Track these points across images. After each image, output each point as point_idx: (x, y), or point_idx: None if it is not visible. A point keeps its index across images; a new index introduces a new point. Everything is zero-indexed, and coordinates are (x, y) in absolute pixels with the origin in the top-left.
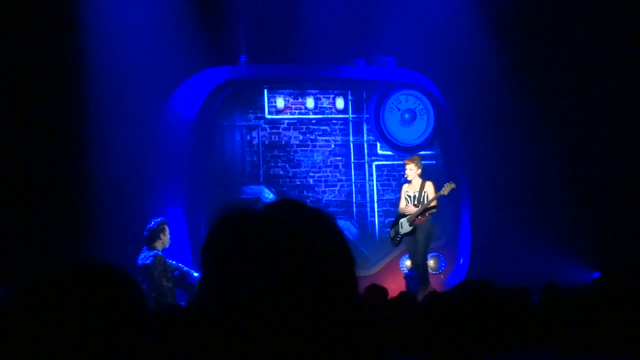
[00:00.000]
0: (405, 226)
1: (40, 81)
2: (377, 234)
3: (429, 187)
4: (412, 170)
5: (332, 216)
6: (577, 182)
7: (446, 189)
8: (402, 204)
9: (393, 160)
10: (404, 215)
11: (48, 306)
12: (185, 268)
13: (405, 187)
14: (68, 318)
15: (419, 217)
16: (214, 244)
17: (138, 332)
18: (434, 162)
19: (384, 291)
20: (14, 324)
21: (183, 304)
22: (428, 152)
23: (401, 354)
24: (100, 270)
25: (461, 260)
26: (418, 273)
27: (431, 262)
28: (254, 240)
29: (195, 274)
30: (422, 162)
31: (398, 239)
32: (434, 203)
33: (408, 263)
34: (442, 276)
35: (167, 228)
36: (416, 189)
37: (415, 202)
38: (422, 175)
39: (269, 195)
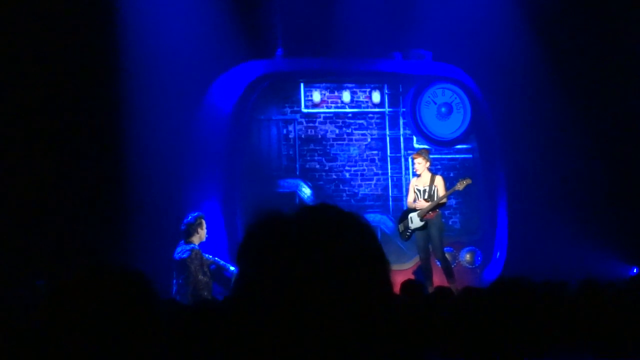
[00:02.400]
0: (415, 221)
1: (77, 75)
2: None
3: (439, 181)
4: (420, 164)
5: (368, 222)
6: (616, 175)
7: (461, 185)
8: (411, 198)
9: (431, 154)
10: (413, 210)
11: (62, 305)
12: (222, 262)
13: (414, 180)
14: (79, 317)
15: (430, 212)
16: (249, 249)
17: (147, 334)
18: (471, 155)
19: (420, 286)
20: (37, 316)
21: (219, 297)
22: (464, 146)
23: (437, 352)
24: (112, 275)
25: (498, 254)
26: (442, 267)
27: (467, 256)
28: (289, 246)
29: (232, 268)
30: (459, 155)
31: (408, 233)
32: (445, 199)
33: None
34: (478, 270)
35: (204, 222)
36: (426, 183)
37: (426, 197)
38: (433, 170)
39: (305, 189)
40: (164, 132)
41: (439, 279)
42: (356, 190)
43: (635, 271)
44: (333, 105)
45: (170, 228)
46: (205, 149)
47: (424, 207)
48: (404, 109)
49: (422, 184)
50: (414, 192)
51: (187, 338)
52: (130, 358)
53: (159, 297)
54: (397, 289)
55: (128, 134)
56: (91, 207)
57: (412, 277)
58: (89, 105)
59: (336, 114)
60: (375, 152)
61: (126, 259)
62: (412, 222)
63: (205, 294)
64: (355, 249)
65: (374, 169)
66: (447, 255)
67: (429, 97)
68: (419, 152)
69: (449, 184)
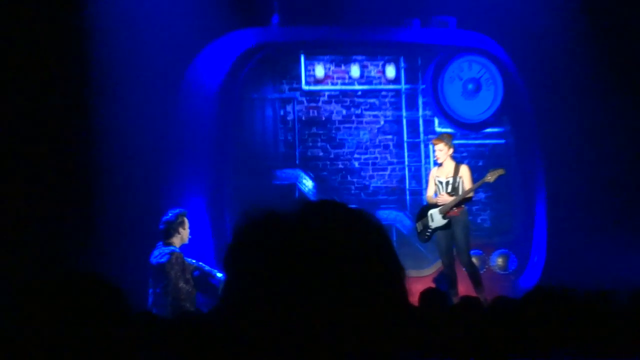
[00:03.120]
0: (437, 219)
1: (39, 49)
2: None
3: (465, 171)
4: (442, 151)
5: (380, 221)
6: None
7: (492, 176)
8: (431, 191)
9: (455, 139)
10: (434, 206)
11: (22, 312)
12: (207, 268)
13: (434, 171)
14: (32, 338)
15: (454, 208)
16: (239, 253)
17: (119, 354)
18: (503, 141)
19: (442, 296)
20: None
21: (204, 309)
22: (495, 130)
23: None
24: (76, 284)
25: (535, 259)
26: (468, 273)
27: (499, 261)
28: (287, 249)
29: (219, 275)
30: (489, 141)
31: (428, 234)
32: (471, 192)
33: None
34: (512, 277)
35: (186, 221)
36: (449, 173)
37: (449, 190)
38: (458, 158)
39: (306, 181)
40: (139, 116)
41: (464, 287)
42: (367, 182)
43: None
44: (339, 81)
45: (147, 228)
46: (188, 134)
47: (447, 202)
48: (424, 86)
49: (445, 174)
50: (435, 184)
51: (166, 357)
52: None
53: (132, 309)
54: (415, 299)
55: (97, 118)
56: (53, 204)
57: (433, 285)
58: (49, 84)
59: (343, 92)
60: (390, 136)
61: (93, 264)
62: (432, 220)
63: (188, 305)
64: (365, 254)
65: (388, 157)
66: (474, 259)
67: (453, 71)
68: (441, 136)
69: (476, 174)
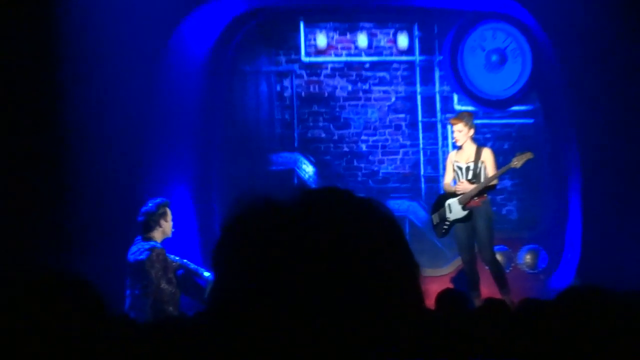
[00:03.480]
0: (455, 210)
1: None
2: None
3: (487, 155)
4: (461, 132)
5: (391, 212)
6: None
7: (519, 160)
8: (449, 178)
9: (477, 118)
10: (452, 195)
11: None
12: (193, 266)
13: (452, 155)
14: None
15: (476, 197)
16: (230, 249)
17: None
18: (532, 120)
19: (462, 298)
20: None
21: (189, 313)
22: (523, 108)
23: None
24: (48, 284)
25: (569, 255)
26: (491, 271)
27: (527, 257)
28: (285, 244)
29: (206, 274)
30: (516, 120)
31: (445, 227)
32: (495, 180)
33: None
34: (542, 276)
35: (169, 212)
36: (469, 158)
37: (469, 177)
38: (480, 141)
39: (306, 166)
40: (116, 93)
41: (487, 288)
42: (376, 168)
43: None
44: (344, 52)
45: (124, 220)
46: (171, 113)
47: (467, 190)
48: (441, 57)
49: (465, 159)
50: (454, 170)
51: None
52: None
53: (108, 312)
54: (431, 301)
55: (68, 96)
56: (19, 196)
57: (452, 286)
58: (11, 57)
59: (348, 65)
60: (402, 115)
61: (65, 263)
62: (450, 211)
63: (171, 308)
64: (374, 249)
65: (400, 139)
66: (498, 255)
67: (475, 40)
68: (460, 115)
69: (501, 159)
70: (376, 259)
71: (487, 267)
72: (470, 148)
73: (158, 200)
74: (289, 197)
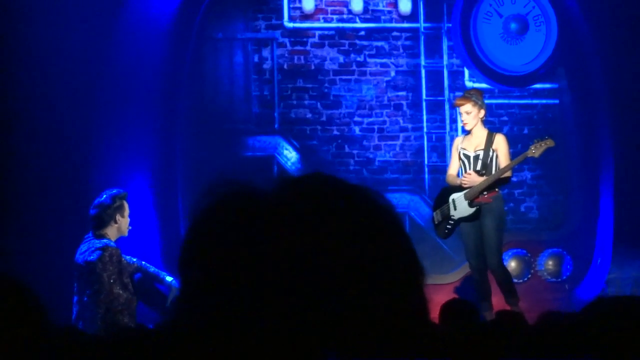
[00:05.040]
0: (461, 206)
1: None
2: None
3: (501, 142)
4: (470, 114)
5: (390, 204)
6: None
7: (537, 148)
8: (454, 168)
9: (492, 97)
10: (457, 189)
11: None
12: (153, 269)
13: (459, 141)
14: None
15: (485, 192)
16: (199, 248)
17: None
18: (557, 101)
19: (470, 310)
20: None
21: (149, 325)
22: (547, 86)
23: None
24: None
25: (599, 261)
26: (497, 280)
27: (549, 263)
28: (264, 241)
29: (169, 279)
30: (538, 100)
31: (449, 227)
32: (509, 172)
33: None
34: (566, 286)
35: (126, 205)
36: (478, 145)
37: (478, 167)
38: (492, 126)
39: (288, 152)
40: (63, 62)
41: (500, 299)
42: (371, 155)
43: None
44: (335, 17)
45: (72, 215)
46: (128, 88)
47: (475, 183)
48: (450, 25)
49: (473, 146)
50: (460, 159)
51: None
52: None
53: (51, 323)
54: (435, 313)
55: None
56: None
57: (458, 296)
58: None
59: (340, 31)
60: (403, 93)
61: (1, 264)
62: (455, 208)
63: (125, 318)
64: (369, 248)
65: (401, 122)
66: (515, 261)
67: (490, 5)
68: (467, 94)
69: (520, 146)
70: (372, 260)
71: (491, 274)
72: (480, 133)
73: (114, 191)
74: (268, 186)
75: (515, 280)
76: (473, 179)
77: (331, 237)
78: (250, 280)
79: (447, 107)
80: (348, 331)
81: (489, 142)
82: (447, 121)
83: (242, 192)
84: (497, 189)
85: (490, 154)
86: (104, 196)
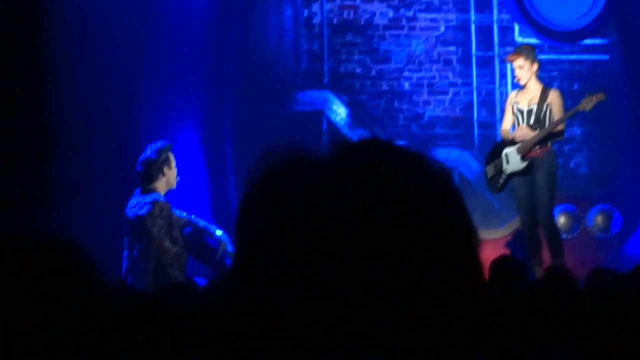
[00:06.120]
0: (514, 161)
1: None
2: None
3: (555, 98)
4: (523, 68)
5: (447, 170)
6: None
7: (588, 102)
8: (507, 123)
9: (542, 53)
10: (510, 143)
11: None
12: (203, 223)
13: (513, 95)
14: None
15: (538, 147)
16: (256, 209)
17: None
18: (607, 56)
19: (520, 266)
20: None
21: (199, 280)
22: (597, 41)
23: None
24: (30, 247)
25: None
26: (546, 236)
27: (599, 219)
28: (320, 206)
29: (218, 233)
30: (589, 56)
31: (501, 181)
32: (562, 125)
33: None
34: (615, 242)
35: (172, 157)
36: (533, 99)
37: (532, 122)
38: (545, 80)
39: (337, 107)
40: (108, 17)
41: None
42: (420, 110)
43: None
44: None
45: (121, 171)
46: (175, 42)
47: (528, 137)
48: None
49: (527, 100)
50: (513, 113)
51: (146, 345)
52: None
53: (103, 279)
54: (484, 270)
55: (49, 23)
56: None
57: (508, 251)
58: None
59: None
60: (453, 48)
61: (51, 222)
62: (507, 162)
63: (176, 272)
64: (425, 214)
65: (450, 77)
66: (564, 217)
67: None
68: (517, 49)
69: (570, 101)
70: (428, 226)
71: (542, 229)
72: (535, 87)
73: (158, 144)
74: (322, 150)
75: (564, 236)
76: (526, 133)
77: (388, 203)
78: (304, 247)
79: (496, 62)
80: (403, 293)
81: (544, 96)
82: (497, 76)
83: (299, 158)
84: (549, 144)
85: (544, 108)
86: (149, 151)
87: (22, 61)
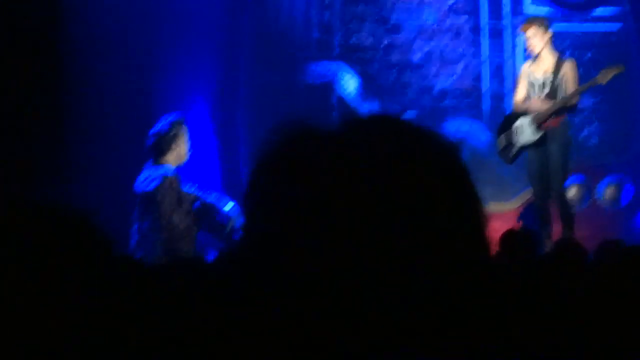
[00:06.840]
0: (527, 132)
1: None
2: None
3: (570, 68)
4: (536, 37)
5: (456, 147)
6: None
7: (605, 75)
8: (521, 94)
9: (554, 22)
10: (523, 114)
11: None
12: (212, 196)
13: (527, 66)
14: None
15: (551, 117)
16: (265, 185)
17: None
18: (620, 25)
19: (531, 239)
20: None
21: (209, 255)
22: (609, 10)
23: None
24: (38, 219)
25: None
26: (557, 208)
27: (608, 191)
28: (330, 184)
29: (228, 207)
30: (597, 26)
31: (514, 152)
32: (576, 98)
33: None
34: (625, 214)
35: (185, 131)
36: (547, 70)
37: (546, 93)
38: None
39: (348, 78)
40: None
41: (559, 227)
42: (431, 82)
43: None
44: None
45: (132, 143)
46: (188, 11)
47: (542, 109)
48: None
49: (541, 71)
50: (527, 84)
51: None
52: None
53: (112, 252)
54: (494, 243)
55: None
56: (12, 116)
57: (519, 223)
58: None
59: None
60: (464, 17)
61: (63, 194)
62: (520, 133)
63: (184, 247)
64: (433, 190)
65: (461, 48)
66: (574, 188)
67: None
68: (529, 20)
69: (581, 70)
70: (433, 202)
71: (554, 201)
72: (549, 58)
73: (171, 117)
74: (332, 124)
75: (574, 208)
76: (539, 105)
77: (396, 179)
78: (312, 221)
79: (509, 33)
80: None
81: (558, 67)
82: (509, 47)
83: (308, 133)
84: (563, 115)
85: (559, 79)
86: (162, 123)
87: (40, 31)
